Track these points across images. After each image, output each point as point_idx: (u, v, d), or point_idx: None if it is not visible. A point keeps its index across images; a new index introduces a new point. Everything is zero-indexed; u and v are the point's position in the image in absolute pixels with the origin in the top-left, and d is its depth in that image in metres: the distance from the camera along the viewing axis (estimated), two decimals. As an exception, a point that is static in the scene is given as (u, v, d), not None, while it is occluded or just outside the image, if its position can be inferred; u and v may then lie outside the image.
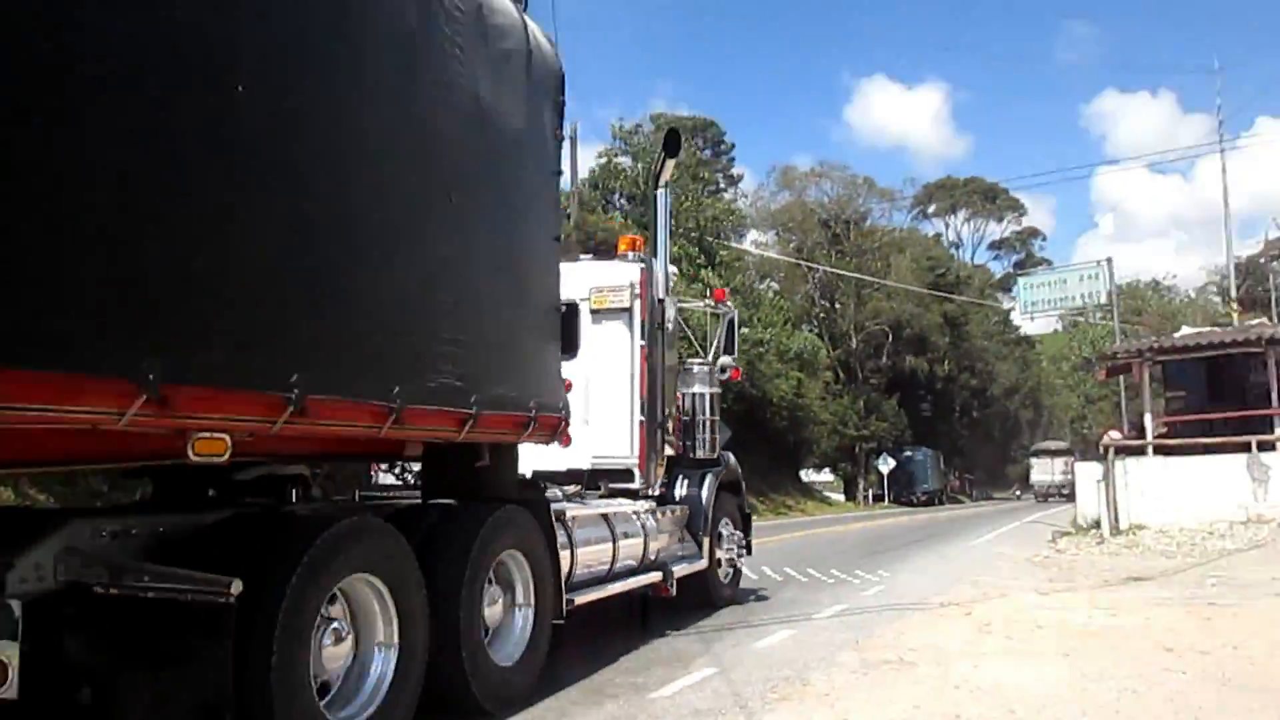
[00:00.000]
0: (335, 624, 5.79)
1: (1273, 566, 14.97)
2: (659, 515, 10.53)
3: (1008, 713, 7.18)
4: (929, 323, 64.84)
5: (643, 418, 10.48)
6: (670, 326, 11.09)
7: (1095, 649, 9.20)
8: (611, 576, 9.32)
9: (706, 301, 13.15)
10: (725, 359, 12.38)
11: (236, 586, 4.88)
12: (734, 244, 51.92)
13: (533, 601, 7.71)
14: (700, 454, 11.77)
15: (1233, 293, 44.40)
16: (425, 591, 6.40)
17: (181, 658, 4.95)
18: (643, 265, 10.72)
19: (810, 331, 57.89)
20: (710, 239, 44.41)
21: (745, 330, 34.98)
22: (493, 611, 7.35)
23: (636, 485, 10.47)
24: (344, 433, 5.85)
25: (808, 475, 59.45)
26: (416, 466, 8.63)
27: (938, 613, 11.62)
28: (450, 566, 6.80)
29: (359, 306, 5.76)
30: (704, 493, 11.49)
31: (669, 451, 11.17)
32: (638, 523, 9.99)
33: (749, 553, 12.64)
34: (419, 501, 7.75)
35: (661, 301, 10.74)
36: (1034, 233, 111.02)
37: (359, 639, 6.02)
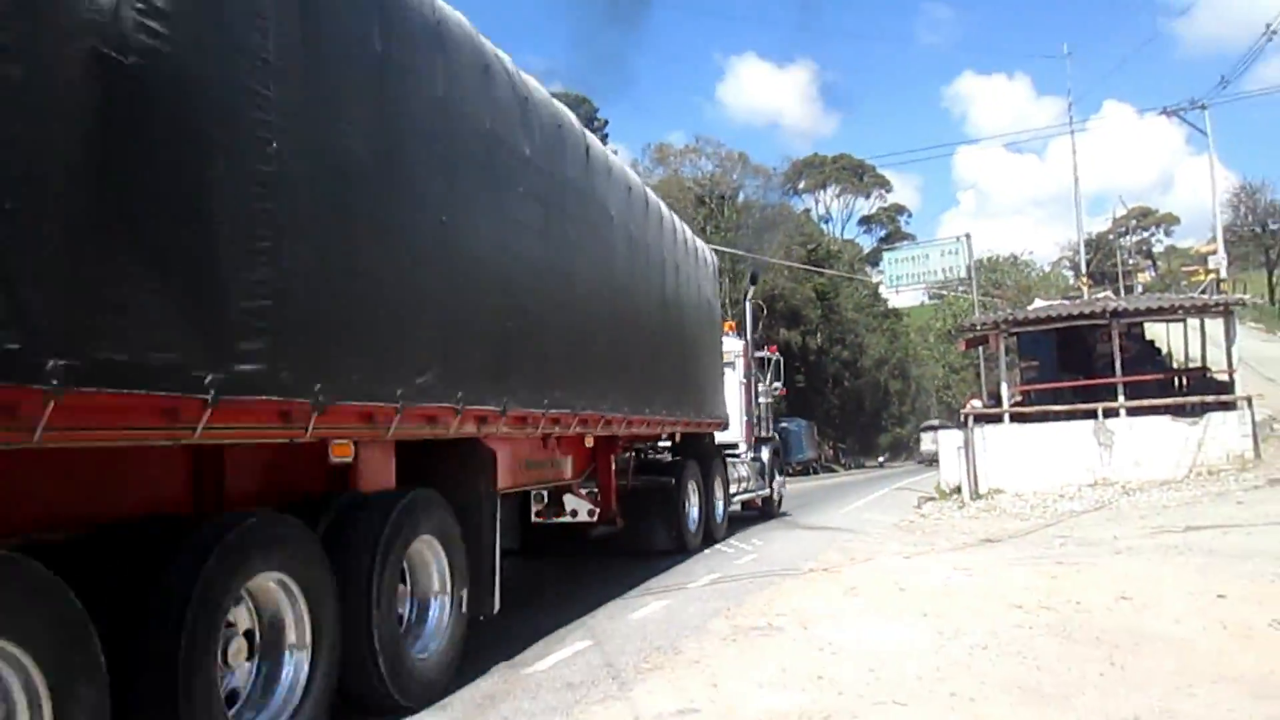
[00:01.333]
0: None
1: (1114, 526, 15.73)
2: (751, 466, 19.94)
3: (868, 671, 7.55)
4: (802, 297, 65.33)
5: (745, 419, 19.86)
6: (754, 370, 20.76)
7: (952, 608, 9.65)
8: (741, 491, 18.97)
9: (771, 352, 23.42)
10: (776, 384, 23.03)
11: None
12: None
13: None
14: (762, 434, 21.13)
15: (1083, 268, 46.90)
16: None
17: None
18: (742, 340, 20.35)
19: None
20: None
21: None
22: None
23: (740, 452, 19.67)
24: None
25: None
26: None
27: (806, 578, 12.03)
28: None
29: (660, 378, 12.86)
30: (765, 456, 20.90)
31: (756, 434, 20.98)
32: (745, 470, 19.42)
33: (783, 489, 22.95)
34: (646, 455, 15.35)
35: (751, 357, 20.70)
36: (900, 209, 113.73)
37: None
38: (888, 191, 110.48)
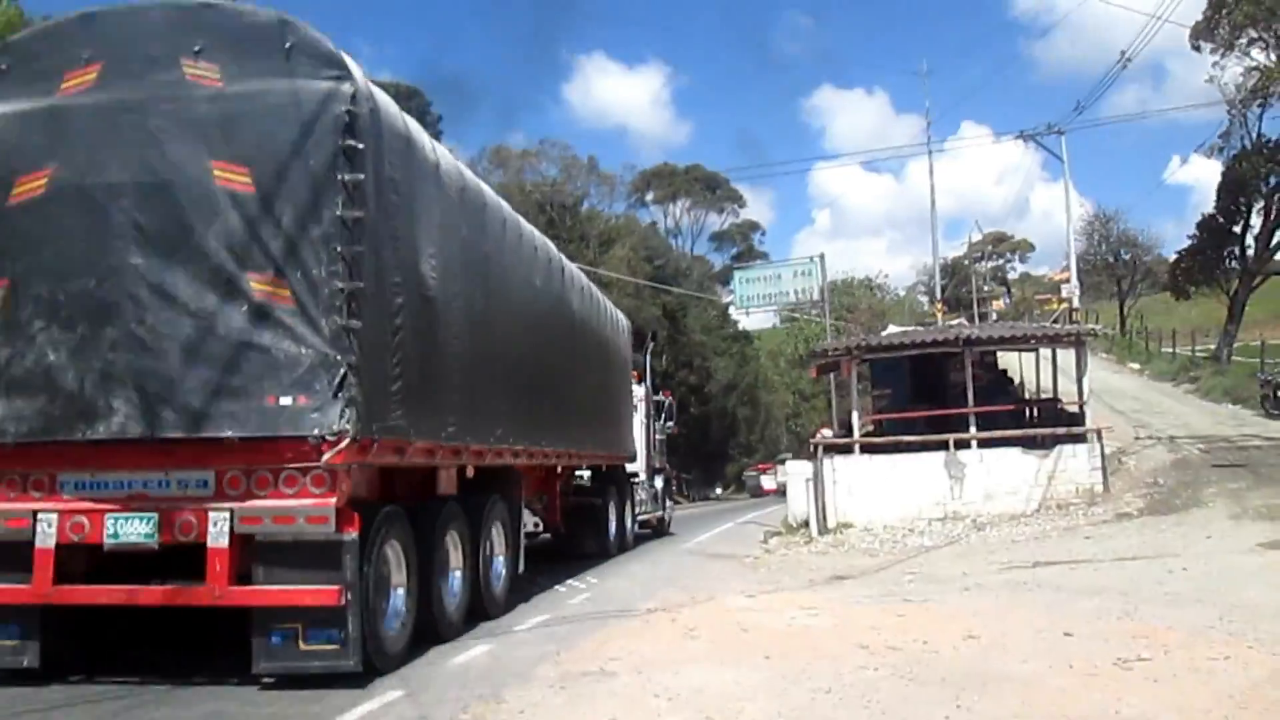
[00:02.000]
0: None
1: (964, 562, 15.61)
2: (648, 492, 24.31)
3: (705, 719, 7.28)
4: (647, 316, 60.56)
5: (645, 452, 23.76)
6: (652, 411, 24.79)
7: (796, 650, 9.42)
8: (641, 512, 23.46)
9: (665, 396, 27.68)
10: (670, 423, 27.14)
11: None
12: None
13: None
14: (657, 465, 25.29)
15: (938, 293, 45.84)
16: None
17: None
18: (643, 386, 23.96)
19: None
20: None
21: None
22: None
23: (642, 480, 23.70)
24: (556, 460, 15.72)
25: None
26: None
27: (644, 620, 11.68)
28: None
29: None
30: (659, 484, 25.60)
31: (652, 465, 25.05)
32: (644, 494, 23.83)
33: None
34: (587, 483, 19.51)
35: (650, 400, 24.83)
36: (754, 226, 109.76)
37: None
38: (741, 207, 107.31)
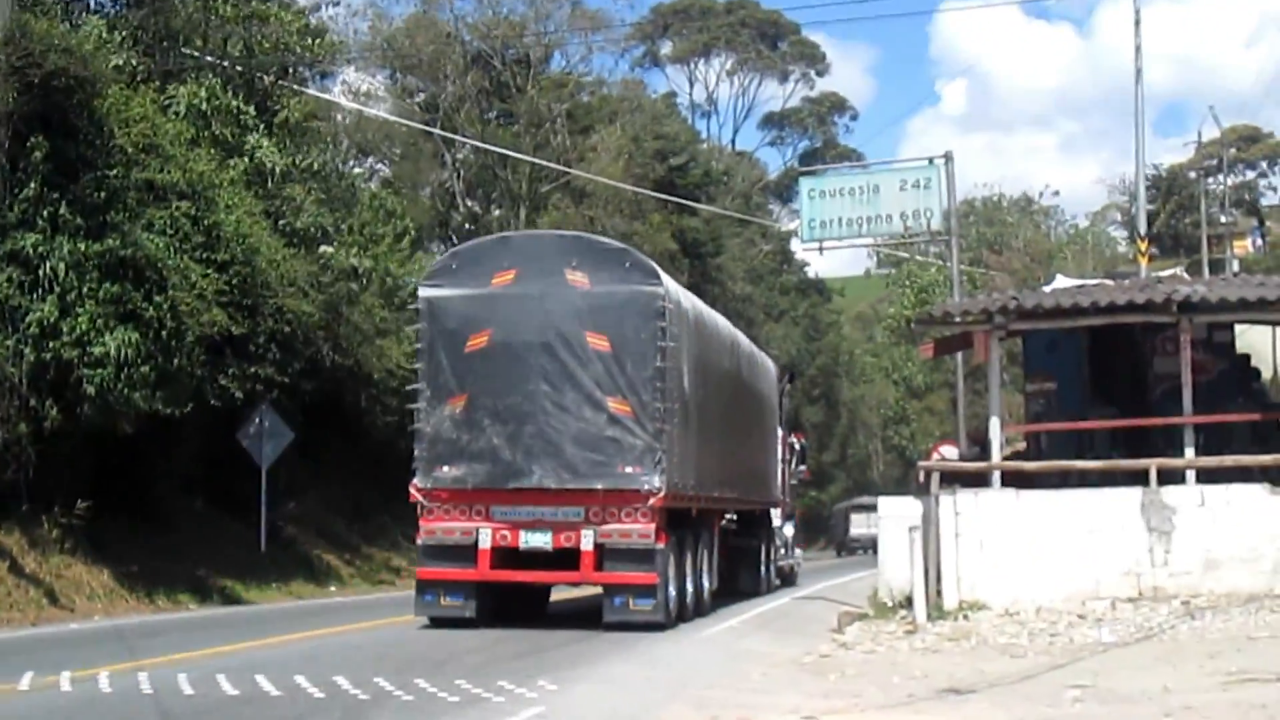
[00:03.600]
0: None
1: (1168, 670, 10.77)
2: (782, 537, 26.46)
3: None
4: (656, 246, 40.42)
5: (782, 497, 25.32)
6: (787, 454, 25.69)
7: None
8: (778, 557, 25.77)
9: (797, 438, 28.40)
10: (802, 467, 28.32)
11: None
12: (313, 89, 32.58)
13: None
14: (790, 509, 27.74)
15: (1141, 226, 28.80)
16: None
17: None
18: (780, 429, 24.86)
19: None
20: (270, 79, 28.17)
21: (329, 249, 27.20)
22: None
23: (779, 525, 25.73)
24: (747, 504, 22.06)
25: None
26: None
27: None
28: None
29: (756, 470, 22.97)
30: (789, 530, 27.61)
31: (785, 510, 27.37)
32: (779, 539, 25.89)
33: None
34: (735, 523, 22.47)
35: (784, 442, 25.48)
36: (837, 104, 74.65)
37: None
38: (819, 73, 71.85)
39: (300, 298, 24.95)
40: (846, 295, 66.85)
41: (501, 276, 15.65)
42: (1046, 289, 19.31)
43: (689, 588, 16.75)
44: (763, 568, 23.63)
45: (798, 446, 27.95)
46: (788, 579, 26.48)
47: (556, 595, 18.68)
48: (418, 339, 16.43)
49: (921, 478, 16.95)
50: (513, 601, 16.55)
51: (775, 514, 25.06)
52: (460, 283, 15.85)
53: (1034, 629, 13.63)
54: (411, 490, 15.85)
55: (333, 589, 25.57)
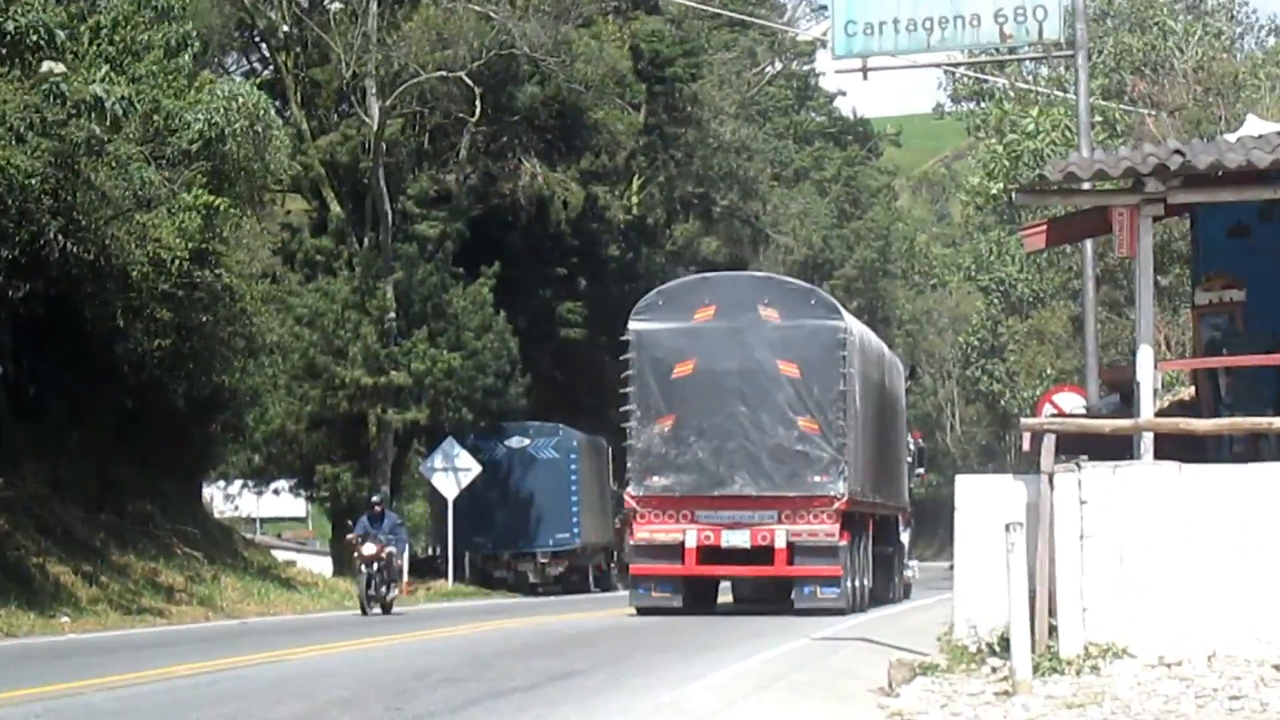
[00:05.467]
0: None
1: None
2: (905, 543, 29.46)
3: None
4: (598, 68, 32.85)
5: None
6: (907, 457, 27.59)
7: None
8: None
9: (914, 438, 30.22)
10: (920, 469, 30.23)
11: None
12: None
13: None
14: (908, 516, 29.18)
15: None
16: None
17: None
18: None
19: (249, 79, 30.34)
20: None
21: (54, 67, 16.63)
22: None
23: (903, 531, 27.95)
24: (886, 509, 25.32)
25: (230, 505, 43.31)
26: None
27: None
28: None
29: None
30: (906, 537, 28.44)
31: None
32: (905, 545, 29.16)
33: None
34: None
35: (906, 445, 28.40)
36: None
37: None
38: None
39: (10, 145, 17.00)
40: (904, 147, 48.15)
41: (703, 312, 19.84)
42: (1231, 138, 11.97)
43: (861, 582, 20.93)
44: (895, 575, 25.32)
45: (914, 447, 29.24)
46: (906, 591, 26.99)
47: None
48: (629, 366, 19.99)
49: (1025, 443, 12.98)
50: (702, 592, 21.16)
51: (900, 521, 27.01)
52: (666, 317, 19.99)
53: (1204, 689, 8.73)
54: (626, 498, 20.50)
55: (64, 619, 17.64)
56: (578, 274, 39.04)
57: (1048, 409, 19.95)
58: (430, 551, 38.13)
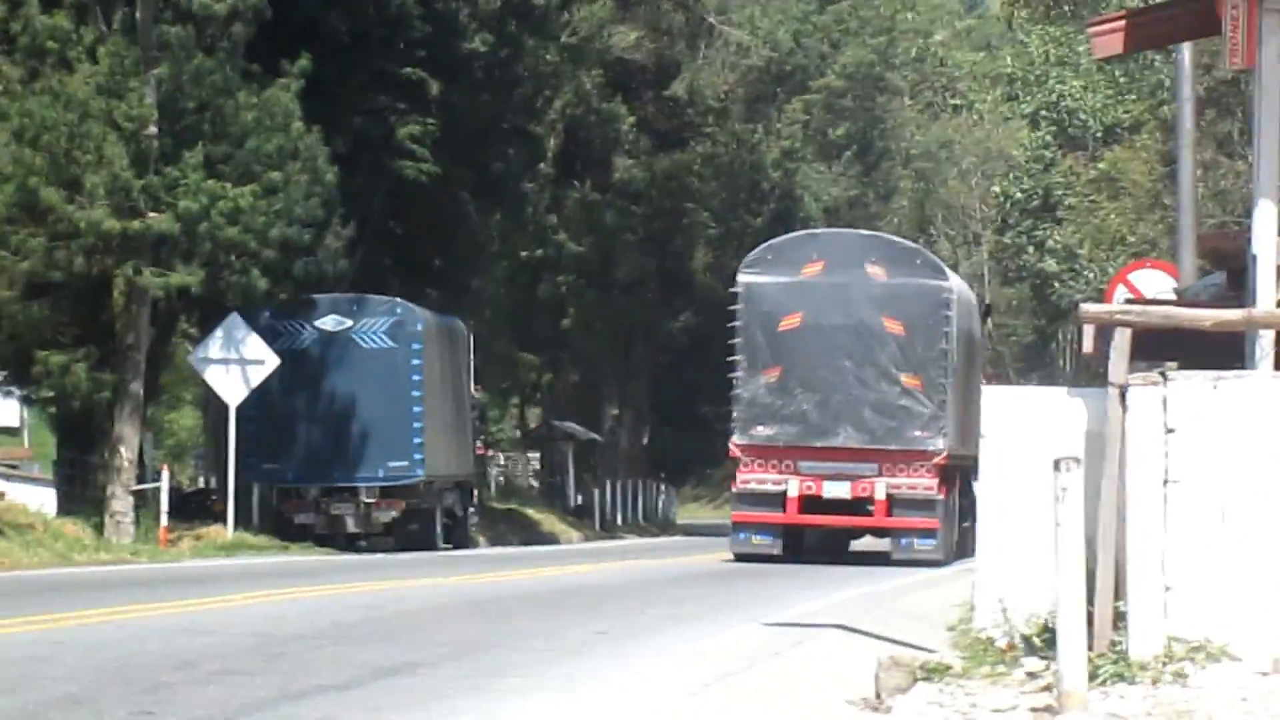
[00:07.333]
0: None
1: None
2: None
3: None
4: None
5: None
6: None
7: None
8: None
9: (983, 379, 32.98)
10: None
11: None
12: None
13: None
14: None
15: None
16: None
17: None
18: None
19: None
20: None
21: None
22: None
23: None
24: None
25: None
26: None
27: None
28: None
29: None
30: None
31: None
32: None
33: None
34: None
35: None
36: None
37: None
38: None
39: None
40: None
41: (810, 267, 26.99)
42: None
43: (955, 535, 25.54)
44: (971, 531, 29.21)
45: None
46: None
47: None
48: (736, 318, 26.93)
49: (1086, 342, 12.51)
50: (813, 542, 28.12)
51: None
52: (774, 271, 27.02)
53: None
54: (731, 446, 27.21)
55: None
56: (428, 77, 36.15)
57: (1121, 292, 18.19)
58: (202, 483, 37.00)
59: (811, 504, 25.73)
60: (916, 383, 25.34)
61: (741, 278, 27.29)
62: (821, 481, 25.63)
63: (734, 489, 27.17)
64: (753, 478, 26.27)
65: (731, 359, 26.81)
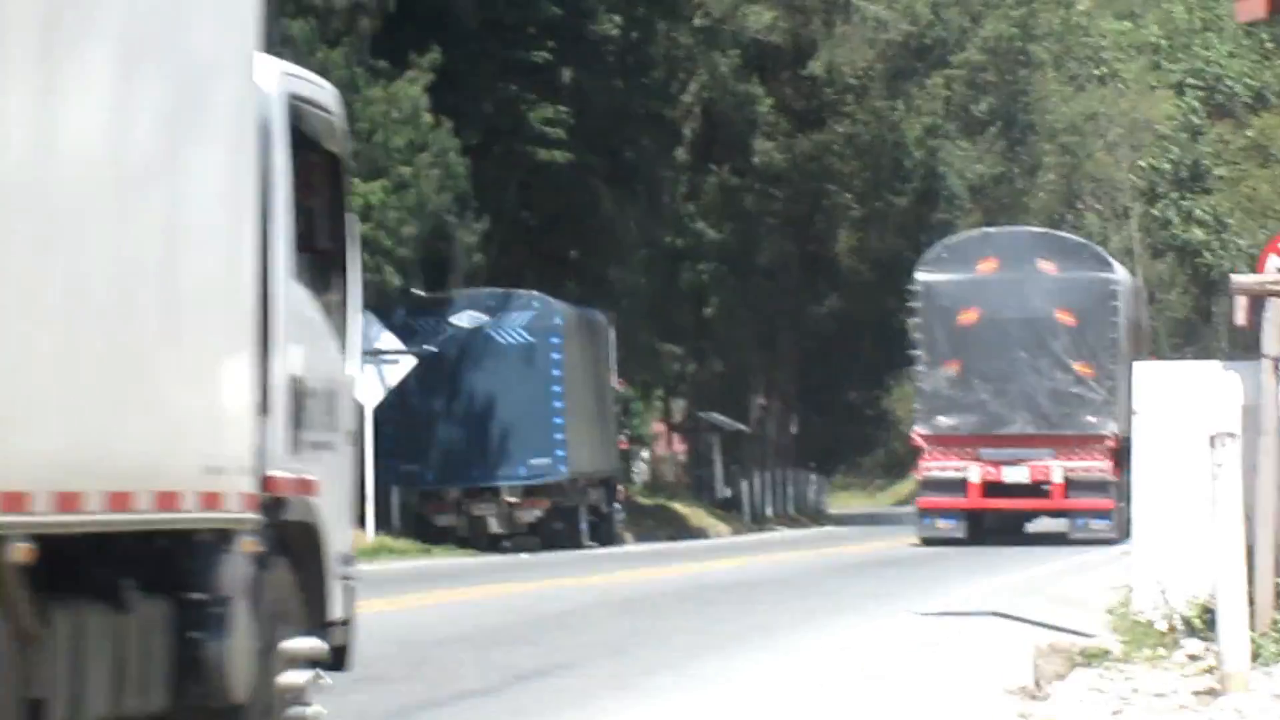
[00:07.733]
0: None
1: None
2: None
3: None
4: None
5: None
6: None
7: None
8: None
9: None
10: None
11: None
12: None
13: None
14: None
15: None
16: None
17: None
18: None
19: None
20: None
21: None
22: None
23: None
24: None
25: None
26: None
27: None
28: None
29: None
30: None
31: None
32: None
33: None
34: None
35: None
36: None
37: None
38: None
39: None
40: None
41: (985, 264, 30.41)
42: None
43: (1128, 514, 26.52)
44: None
45: None
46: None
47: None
48: (916, 314, 30.52)
49: (1239, 315, 11.84)
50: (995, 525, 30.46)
51: None
52: (950, 269, 30.49)
53: None
54: (913, 435, 30.59)
55: None
56: (559, 63, 35.67)
57: (1273, 262, 15.96)
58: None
59: (992, 488, 29.13)
60: (1088, 370, 28.42)
61: (919, 275, 30.55)
62: (1001, 467, 28.81)
63: (918, 477, 30.77)
64: (936, 465, 29.73)
65: (912, 352, 30.83)
